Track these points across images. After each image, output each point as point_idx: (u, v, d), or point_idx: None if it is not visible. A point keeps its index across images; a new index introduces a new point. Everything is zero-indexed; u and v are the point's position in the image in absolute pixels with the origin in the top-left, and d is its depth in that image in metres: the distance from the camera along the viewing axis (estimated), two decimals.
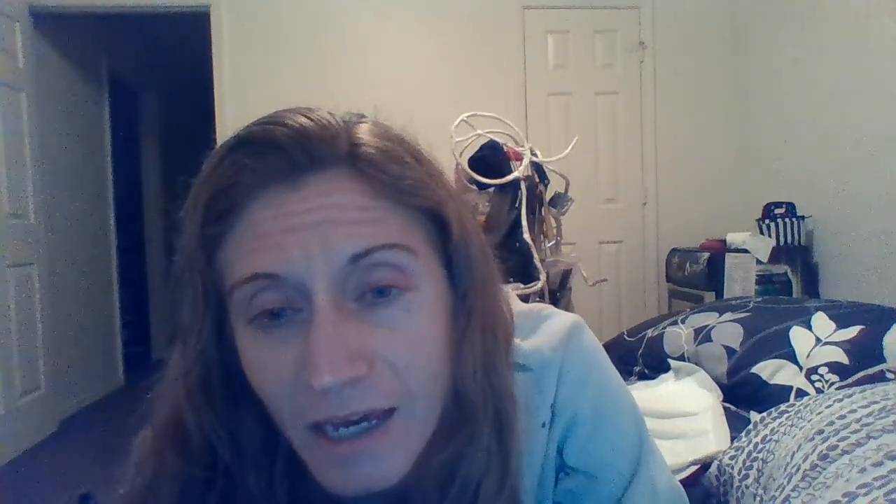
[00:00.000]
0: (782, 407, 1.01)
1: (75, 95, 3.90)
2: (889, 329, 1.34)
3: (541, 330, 0.54)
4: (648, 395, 1.46)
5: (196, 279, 0.44)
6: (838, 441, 0.78)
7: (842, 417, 0.83)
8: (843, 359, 1.31)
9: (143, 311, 5.13)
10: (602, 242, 3.77)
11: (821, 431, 0.83)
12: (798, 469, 0.79)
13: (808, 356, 1.35)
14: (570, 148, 2.49)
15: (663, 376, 1.57)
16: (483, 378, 0.46)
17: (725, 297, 2.95)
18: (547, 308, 0.57)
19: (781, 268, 3.00)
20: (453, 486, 0.45)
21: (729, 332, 1.51)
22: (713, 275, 3.08)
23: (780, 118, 3.44)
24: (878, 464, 0.70)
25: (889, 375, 1.26)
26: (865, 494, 0.66)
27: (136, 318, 4.95)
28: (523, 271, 2.17)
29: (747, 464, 0.94)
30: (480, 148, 2.39)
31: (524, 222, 2.18)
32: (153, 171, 5.15)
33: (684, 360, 1.56)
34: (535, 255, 2.18)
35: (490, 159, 2.31)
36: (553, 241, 2.50)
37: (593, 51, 3.75)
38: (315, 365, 0.38)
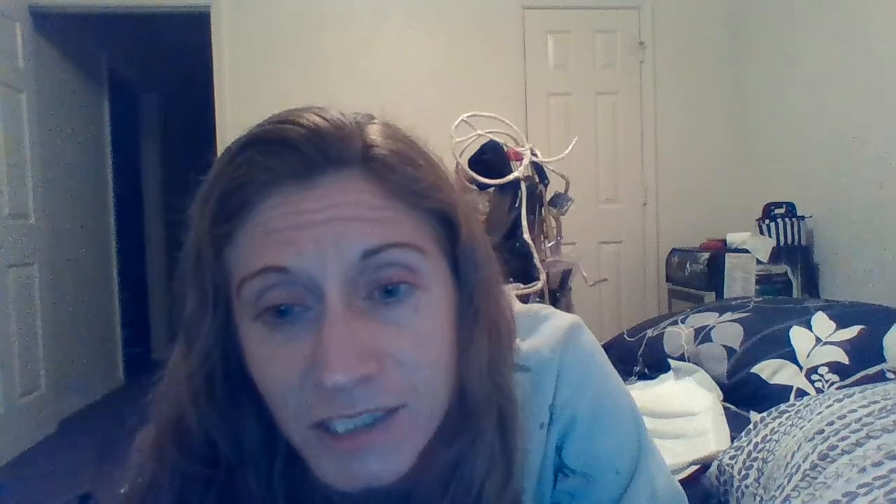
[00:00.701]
0: (782, 407, 1.01)
1: (75, 95, 3.90)
2: (889, 329, 1.34)
3: (539, 331, 0.54)
4: (648, 395, 1.46)
5: (204, 276, 0.44)
6: (838, 441, 0.78)
7: (842, 417, 0.83)
8: (843, 359, 1.31)
9: (143, 311, 5.12)
10: (602, 242, 3.77)
11: (821, 431, 0.83)
12: (798, 469, 0.79)
13: (808, 356, 1.35)
14: (570, 148, 2.49)
15: (663, 376, 1.57)
16: (488, 379, 0.46)
17: (725, 297, 2.94)
18: (546, 308, 0.57)
19: (781, 268, 3.00)
20: (456, 486, 0.45)
21: (729, 331, 1.52)
22: (713, 275, 3.08)
23: (780, 118, 3.44)
24: (878, 464, 0.70)
25: (889, 375, 1.26)
26: (865, 494, 0.66)
27: (136, 318, 4.94)
28: (523, 271, 2.17)
29: (747, 464, 0.94)
30: (480, 148, 2.39)
31: (524, 222, 2.19)
32: (153, 171, 5.14)
33: (684, 360, 1.56)
34: (536, 255, 2.19)
35: (490, 159, 2.31)
36: (553, 242, 2.50)
37: (593, 51, 3.75)
38: (327, 363, 0.38)
